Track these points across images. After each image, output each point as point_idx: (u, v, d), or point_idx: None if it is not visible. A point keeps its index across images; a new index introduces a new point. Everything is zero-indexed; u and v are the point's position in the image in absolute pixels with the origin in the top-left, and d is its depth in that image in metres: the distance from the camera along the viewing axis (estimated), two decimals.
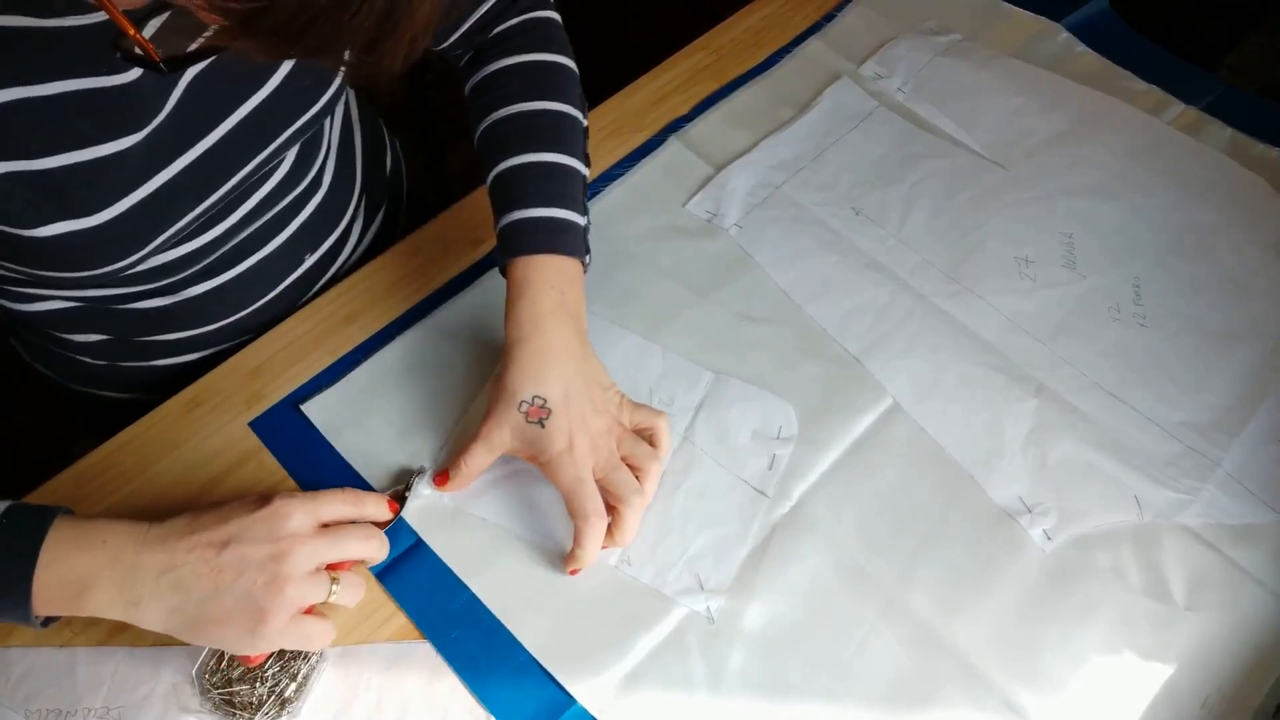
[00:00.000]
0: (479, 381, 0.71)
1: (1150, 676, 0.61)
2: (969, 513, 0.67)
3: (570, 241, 0.67)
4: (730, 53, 0.91)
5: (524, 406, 0.63)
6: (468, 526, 0.65)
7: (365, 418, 0.69)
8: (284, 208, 0.72)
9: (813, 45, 0.92)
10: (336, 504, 0.59)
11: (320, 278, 0.79)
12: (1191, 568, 0.65)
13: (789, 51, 0.92)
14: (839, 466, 0.68)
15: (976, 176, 0.83)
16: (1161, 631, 0.62)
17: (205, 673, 0.59)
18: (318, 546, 0.56)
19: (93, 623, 0.61)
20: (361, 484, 0.67)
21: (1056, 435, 0.69)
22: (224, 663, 0.59)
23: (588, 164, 0.72)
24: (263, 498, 0.57)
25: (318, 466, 0.67)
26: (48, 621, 0.56)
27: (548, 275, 0.66)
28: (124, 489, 0.66)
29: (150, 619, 0.54)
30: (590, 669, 0.60)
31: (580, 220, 0.69)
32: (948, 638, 0.62)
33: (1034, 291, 0.77)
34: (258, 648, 0.55)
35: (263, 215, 0.70)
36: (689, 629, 0.62)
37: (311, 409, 0.70)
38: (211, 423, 0.69)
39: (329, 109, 0.67)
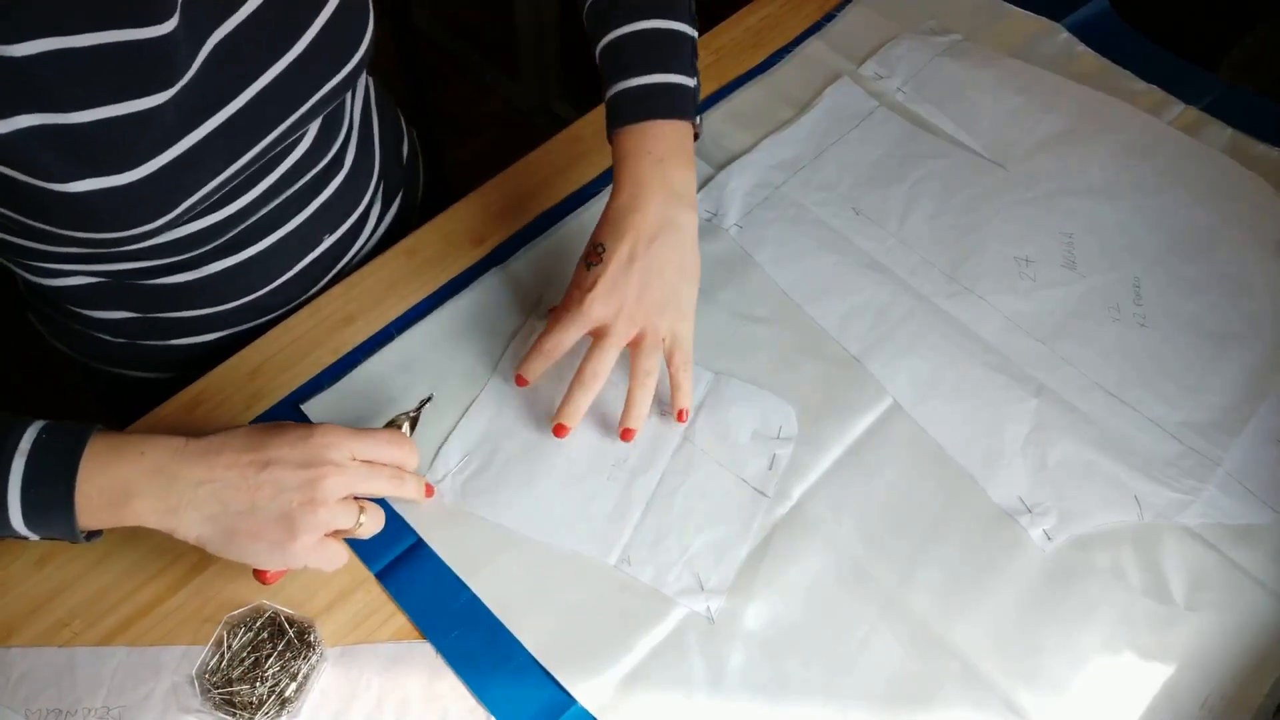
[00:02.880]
0: (479, 381, 0.71)
1: (1150, 676, 0.61)
2: (969, 513, 0.67)
3: (665, 106, 0.67)
4: (730, 53, 0.91)
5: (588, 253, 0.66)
6: (468, 526, 0.65)
7: (365, 418, 0.69)
8: (305, 185, 0.73)
9: (813, 45, 0.92)
10: (377, 445, 0.60)
11: (338, 262, 0.80)
12: (1191, 568, 0.65)
13: (789, 51, 0.92)
14: (839, 466, 0.68)
15: (976, 176, 0.83)
16: (1161, 631, 0.62)
17: (205, 673, 0.59)
18: (353, 477, 0.57)
19: (93, 623, 0.61)
20: None
21: (1056, 435, 0.69)
22: (224, 662, 0.59)
23: (694, 25, 0.72)
24: (303, 425, 0.58)
25: None
26: (90, 537, 0.57)
27: (644, 143, 0.66)
28: None
29: (186, 527, 0.55)
30: (590, 669, 0.60)
31: (684, 81, 0.69)
32: (948, 638, 0.62)
33: (1034, 291, 0.77)
34: (284, 563, 0.57)
35: (285, 190, 0.71)
36: (689, 629, 0.62)
37: (311, 409, 0.70)
38: (212, 423, 0.70)
39: (353, 79, 0.68)
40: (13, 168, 0.54)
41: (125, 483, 0.55)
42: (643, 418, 0.66)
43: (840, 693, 0.60)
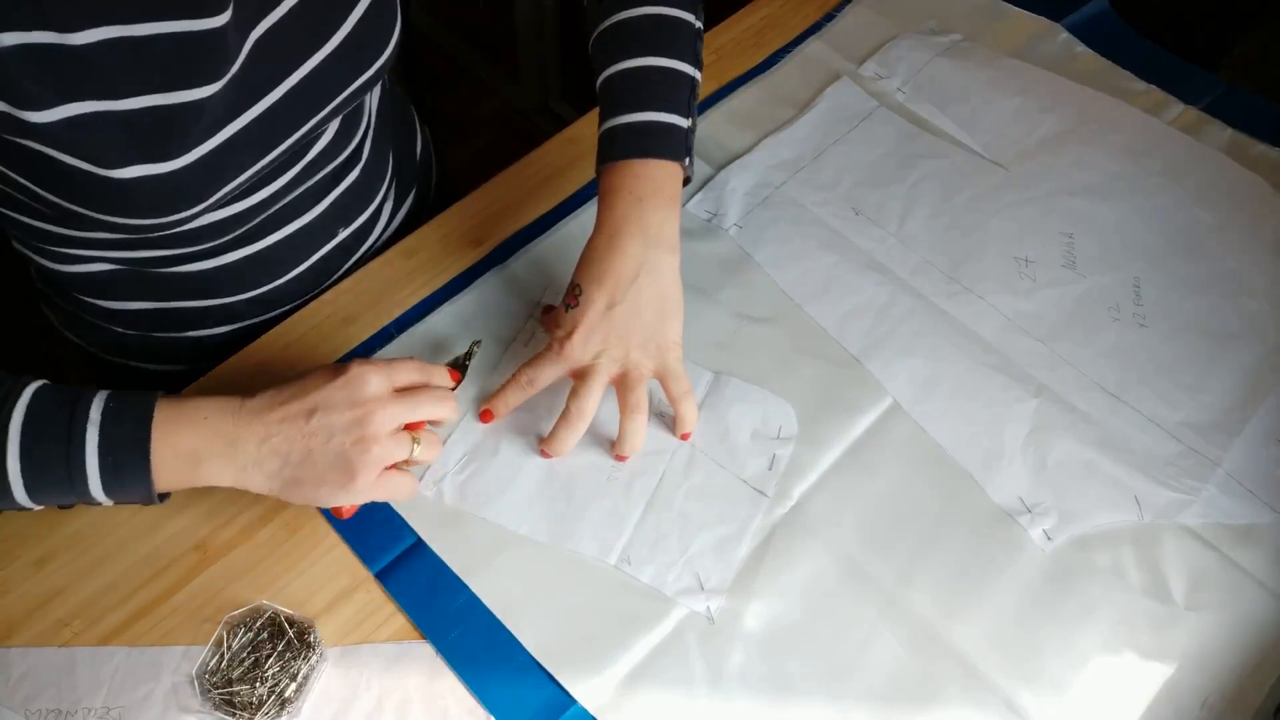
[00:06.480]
0: (479, 382, 0.71)
1: (1150, 676, 0.61)
2: (969, 513, 0.67)
3: (651, 144, 0.67)
4: (730, 53, 0.92)
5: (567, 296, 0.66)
6: (468, 526, 0.65)
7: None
8: (324, 177, 0.73)
9: (813, 45, 0.92)
10: (408, 370, 0.62)
11: (350, 256, 0.81)
12: (1191, 568, 0.65)
13: (789, 51, 0.92)
14: (839, 466, 0.68)
15: (976, 177, 0.83)
16: (1161, 631, 0.62)
17: (205, 673, 0.59)
18: (397, 409, 0.59)
19: (93, 623, 0.61)
20: None
21: (1056, 435, 0.69)
22: (224, 663, 0.59)
23: (698, 66, 0.71)
24: (338, 367, 0.60)
25: None
26: (163, 497, 0.59)
27: (625, 181, 0.66)
28: None
29: (256, 483, 0.58)
30: (590, 669, 0.60)
31: (674, 120, 0.67)
32: (948, 638, 0.62)
33: (1034, 291, 0.77)
34: (350, 501, 0.60)
35: (305, 182, 0.72)
36: (689, 629, 0.62)
37: None
38: None
39: (380, 75, 0.68)
40: (65, 152, 0.55)
41: (194, 448, 0.57)
42: (637, 448, 0.66)
43: (840, 693, 0.60)
